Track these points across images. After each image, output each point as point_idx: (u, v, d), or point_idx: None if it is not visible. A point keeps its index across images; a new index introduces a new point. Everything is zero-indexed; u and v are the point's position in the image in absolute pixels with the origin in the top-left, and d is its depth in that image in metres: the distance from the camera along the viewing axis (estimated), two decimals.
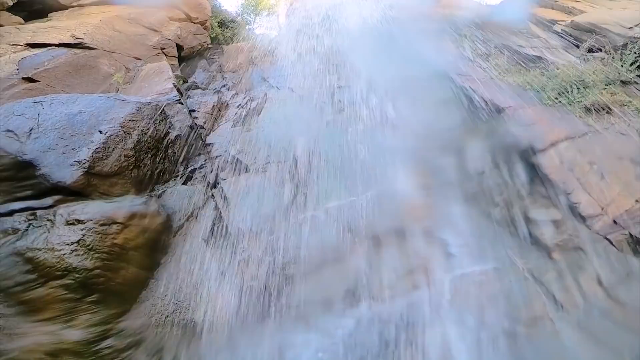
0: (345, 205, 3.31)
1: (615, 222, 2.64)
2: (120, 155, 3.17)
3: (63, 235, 2.42)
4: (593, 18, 5.29)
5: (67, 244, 2.39)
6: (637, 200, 2.65)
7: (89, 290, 2.36)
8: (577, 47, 5.06)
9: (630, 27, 4.67)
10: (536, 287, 2.63)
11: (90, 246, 2.45)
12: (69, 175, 2.85)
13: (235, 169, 3.78)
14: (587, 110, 3.53)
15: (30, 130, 3.06)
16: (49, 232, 2.41)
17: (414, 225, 3.07)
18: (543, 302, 2.56)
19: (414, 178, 3.34)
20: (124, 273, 2.57)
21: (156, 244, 2.90)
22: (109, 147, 3.13)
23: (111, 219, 2.65)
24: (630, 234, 2.57)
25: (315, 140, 3.90)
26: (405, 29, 5.08)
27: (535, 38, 5.37)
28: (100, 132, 3.23)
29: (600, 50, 4.46)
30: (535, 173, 3.03)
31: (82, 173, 2.90)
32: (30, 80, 4.47)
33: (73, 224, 2.51)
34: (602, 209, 2.71)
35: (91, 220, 2.57)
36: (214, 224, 3.30)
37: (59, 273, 2.28)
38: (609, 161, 2.89)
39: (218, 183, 3.66)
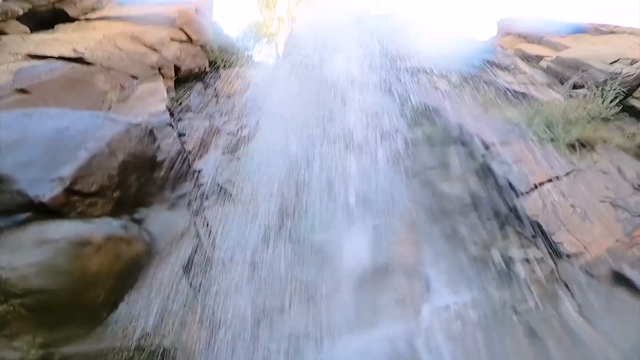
0: (329, 241, 3.28)
1: (597, 259, 2.66)
2: (104, 175, 3.12)
3: (30, 255, 2.33)
4: (576, 54, 5.38)
5: (34, 264, 2.30)
6: (617, 240, 2.68)
7: (50, 311, 2.25)
8: (562, 83, 5.20)
9: (611, 63, 4.79)
10: (513, 317, 2.60)
11: (60, 268, 2.37)
12: (48, 191, 2.79)
13: (220, 198, 3.74)
14: (571, 147, 3.59)
15: (14, 143, 3.03)
16: (15, 251, 2.33)
17: (397, 260, 3.06)
18: (519, 332, 2.53)
19: (396, 216, 3.36)
20: (92, 296, 2.47)
21: (131, 269, 2.81)
22: (92, 166, 3.09)
23: (86, 241, 2.57)
24: (612, 269, 2.60)
25: (304, 172, 3.88)
26: (391, 60, 5.25)
27: (521, 74, 5.54)
28: (85, 149, 3.21)
29: (583, 86, 4.55)
30: (516, 214, 3.05)
31: (62, 190, 2.84)
32: (23, 91, 4.47)
33: (44, 243, 2.44)
34: (585, 247, 2.72)
35: (64, 239, 2.50)
36: (194, 252, 3.23)
37: (20, 293, 2.18)
38: (591, 204, 2.96)
39: (202, 211, 3.61)
